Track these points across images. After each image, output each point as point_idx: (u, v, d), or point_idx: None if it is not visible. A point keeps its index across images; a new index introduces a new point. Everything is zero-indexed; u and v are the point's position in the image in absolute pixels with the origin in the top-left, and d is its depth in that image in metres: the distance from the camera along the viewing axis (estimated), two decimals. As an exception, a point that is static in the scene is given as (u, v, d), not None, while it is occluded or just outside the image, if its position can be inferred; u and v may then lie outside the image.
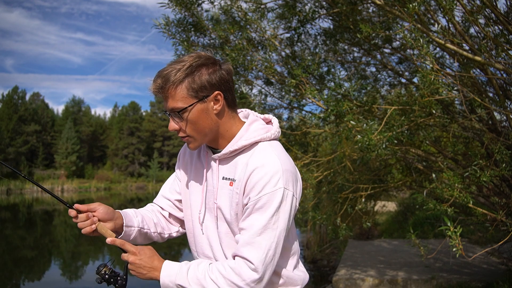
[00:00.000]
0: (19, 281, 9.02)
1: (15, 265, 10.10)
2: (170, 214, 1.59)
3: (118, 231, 1.44)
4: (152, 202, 1.66)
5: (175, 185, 1.59)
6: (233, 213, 1.35)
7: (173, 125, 1.35)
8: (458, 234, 2.65)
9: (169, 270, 1.30)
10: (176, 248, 12.87)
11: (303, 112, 4.99)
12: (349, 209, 4.64)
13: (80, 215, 1.37)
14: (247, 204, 1.29)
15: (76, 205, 1.36)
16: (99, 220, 1.38)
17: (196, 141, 1.36)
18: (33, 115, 52.35)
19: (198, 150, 1.50)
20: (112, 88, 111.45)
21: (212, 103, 1.32)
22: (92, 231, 1.37)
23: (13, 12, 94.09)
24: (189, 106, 1.30)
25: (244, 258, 1.25)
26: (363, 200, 4.93)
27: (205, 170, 1.43)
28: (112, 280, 1.34)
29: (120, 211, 1.47)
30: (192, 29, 4.25)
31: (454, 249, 2.70)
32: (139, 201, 32.45)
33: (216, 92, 1.32)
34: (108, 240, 1.36)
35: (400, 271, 5.51)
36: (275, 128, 1.41)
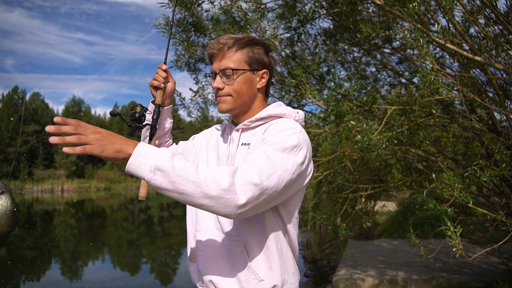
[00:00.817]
0: (19, 281, 9.01)
1: (15, 265, 10.10)
2: None
3: (167, 105, 1.65)
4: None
5: (180, 147, 1.72)
6: None
7: (218, 83, 1.45)
8: (458, 234, 2.65)
9: (147, 148, 1.11)
10: (175, 248, 12.88)
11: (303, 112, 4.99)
12: (349, 209, 4.64)
13: (164, 74, 1.58)
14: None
15: (166, 66, 1.59)
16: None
17: (232, 103, 1.46)
18: (33, 115, 52.37)
19: (222, 131, 1.61)
20: (112, 88, 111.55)
21: (258, 78, 1.47)
22: (159, 85, 1.57)
23: (13, 12, 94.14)
24: (242, 70, 1.44)
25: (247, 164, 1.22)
26: (363, 200, 4.93)
27: (228, 142, 1.51)
28: (138, 120, 1.52)
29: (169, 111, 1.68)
30: (192, 29, 4.25)
31: (454, 249, 2.70)
32: (139, 201, 32.40)
33: (265, 70, 1.49)
34: None
35: (400, 271, 5.51)
36: (300, 115, 1.52)
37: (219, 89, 1.45)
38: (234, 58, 1.43)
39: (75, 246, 13.63)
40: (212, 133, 1.65)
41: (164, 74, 1.59)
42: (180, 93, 4.61)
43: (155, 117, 1.56)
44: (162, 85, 1.58)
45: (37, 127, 51.94)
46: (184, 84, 4.29)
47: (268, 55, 1.50)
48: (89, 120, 58.72)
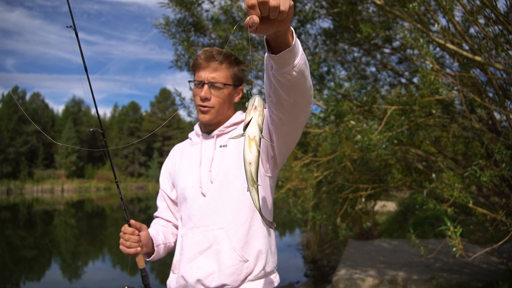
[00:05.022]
0: (19, 281, 9.01)
1: (15, 265, 10.10)
2: (175, 219, 1.79)
3: (150, 252, 1.59)
4: (155, 215, 1.82)
5: (166, 187, 1.76)
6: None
7: (207, 93, 1.58)
8: (458, 234, 2.66)
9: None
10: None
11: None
12: (349, 209, 4.64)
13: (136, 237, 1.49)
14: None
15: (131, 226, 1.52)
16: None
17: (214, 115, 1.60)
18: (33, 115, 52.35)
19: (184, 147, 1.73)
20: (113, 88, 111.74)
21: (236, 93, 1.64)
22: (136, 252, 1.50)
23: (14, 11, 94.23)
24: (229, 85, 1.59)
25: None
26: (363, 200, 4.93)
27: (200, 149, 1.63)
28: None
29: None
30: (192, 29, 4.25)
31: (454, 249, 2.70)
32: (139, 201, 32.46)
33: (242, 87, 1.67)
34: None
35: (400, 271, 5.51)
36: None
37: (206, 99, 1.57)
38: (224, 74, 1.58)
39: (75, 246, 13.63)
40: (174, 156, 1.76)
41: (135, 238, 1.48)
42: (180, 93, 4.61)
43: (146, 283, 1.51)
44: (139, 248, 1.49)
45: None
46: (184, 84, 4.31)
47: (244, 73, 1.67)
48: (89, 120, 58.68)
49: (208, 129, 1.66)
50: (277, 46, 1.07)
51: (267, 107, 1.33)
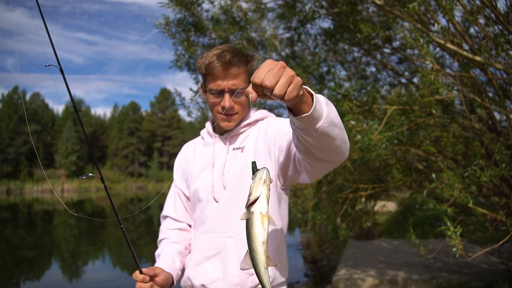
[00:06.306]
0: (19, 281, 9.01)
1: (15, 265, 10.09)
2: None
3: (171, 284, 1.46)
4: (165, 215, 1.69)
5: (181, 184, 1.69)
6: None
7: (230, 102, 1.48)
8: (458, 234, 2.66)
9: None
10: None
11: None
12: (349, 209, 4.64)
13: (147, 285, 1.36)
14: (273, 131, 1.46)
15: (142, 273, 1.37)
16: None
17: (237, 120, 1.53)
18: (33, 115, 52.37)
19: (196, 146, 1.66)
20: (113, 88, 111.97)
21: None
22: None
23: (14, 11, 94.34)
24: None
25: None
26: (363, 200, 4.93)
27: (213, 150, 1.56)
28: None
29: (163, 266, 1.47)
30: (192, 29, 4.25)
31: (454, 249, 2.70)
32: (139, 201, 32.45)
33: None
34: None
35: (400, 271, 5.51)
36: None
37: (231, 108, 1.48)
38: (243, 78, 1.48)
39: (75, 246, 13.63)
40: (187, 153, 1.69)
41: (147, 286, 1.36)
42: (180, 93, 4.62)
43: None
44: None
45: (37, 127, 51.95)
46: (184, 84, 4.32)
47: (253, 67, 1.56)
48: (89, 120, 58.68)
49: (221, 130, 1.60)
50: (295, 109, 1.00)
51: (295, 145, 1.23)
